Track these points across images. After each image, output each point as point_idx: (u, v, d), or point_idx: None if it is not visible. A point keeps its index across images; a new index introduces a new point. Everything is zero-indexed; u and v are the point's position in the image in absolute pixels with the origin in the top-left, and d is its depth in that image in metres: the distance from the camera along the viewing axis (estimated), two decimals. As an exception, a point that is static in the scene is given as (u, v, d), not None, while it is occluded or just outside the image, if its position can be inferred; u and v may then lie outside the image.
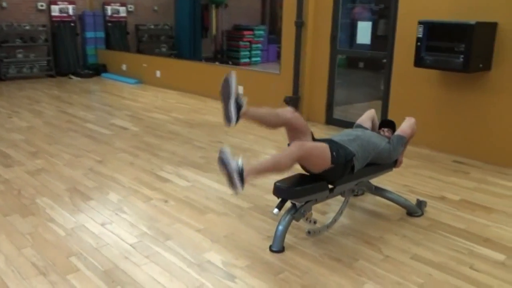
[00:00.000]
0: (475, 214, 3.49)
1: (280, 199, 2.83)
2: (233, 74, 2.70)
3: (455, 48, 4.38)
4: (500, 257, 2.88)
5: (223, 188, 3.85)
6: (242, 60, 12.12)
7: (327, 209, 3.41)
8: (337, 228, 3.18)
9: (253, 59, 12.49)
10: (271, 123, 2.85)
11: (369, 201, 3.65)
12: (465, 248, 2.98)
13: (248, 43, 12.27)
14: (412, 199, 3.55)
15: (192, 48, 11.85)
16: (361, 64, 8.74)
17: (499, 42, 4.44)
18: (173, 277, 2.57)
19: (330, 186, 2.96)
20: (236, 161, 2.61)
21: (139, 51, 11.28)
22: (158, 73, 9.15)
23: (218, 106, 7.47)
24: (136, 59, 10.02)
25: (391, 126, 3.51)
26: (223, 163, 2.61)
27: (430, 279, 2.61)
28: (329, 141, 2.99)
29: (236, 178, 2.56)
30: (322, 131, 5.97)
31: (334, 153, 2.81)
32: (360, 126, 3.47)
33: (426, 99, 5.07)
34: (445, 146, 4.97)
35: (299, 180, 2.90)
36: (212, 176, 4.15)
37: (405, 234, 3.13)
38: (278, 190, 2.80)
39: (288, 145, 2.94)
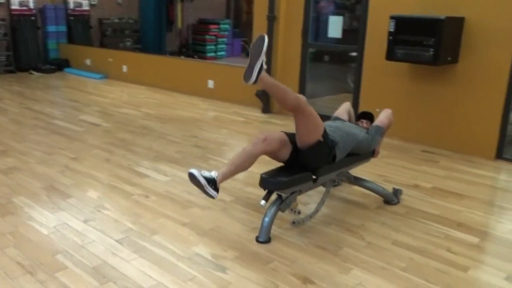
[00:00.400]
0: (447, 201, 3.65)
1: (266, 191, 2.87)
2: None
3: (424, 42, 4.54)
4: (474, 240, 3.04)
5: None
6: (208, 54, 12.06)
7: (308, 200, 3.49)
8: (319, 217, 3.26)
9: (219, 53, 12.44)
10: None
11: (347, 191, 3.76)
12: (441, 232, 3.12)
13: (214, 37, 12.22)
14: (388, 188, 3.68)
15: (157, 42, 11.71)
16: (326, 58, 8.90)
17: (466, 36, 4.63)
18: (164, 271, 2.58)
19: (313, 177, 3.03)
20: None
21: (102, 45, 11.05)
22: (124, 68, 9.01)
23: (188, 100, 7.51)
24: (101, 53, 9.82)
25: (369, 117, 3.62)
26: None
27: (412, 262, 2.73)
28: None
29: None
30: (293, 124, 6.04)
31: (325, 131, 2.91)
32: (337, 119, 3.56)
33: (396, 91, 5.23)
34: (414, 137, 5.15)
35: (283, 171, 2.95)
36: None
37: (384, 222, 3.25)
38: (265, 182, 2.85)
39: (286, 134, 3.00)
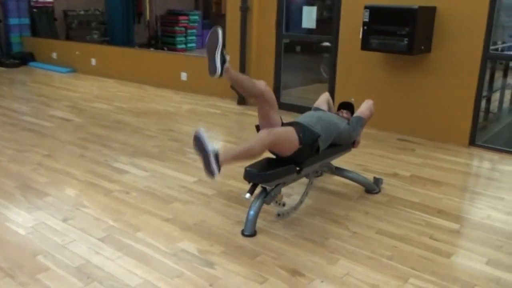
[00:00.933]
0: (426, 188, 3.71)
1: (251, 183, 2.85)
2: (220, 28, 2.73)
3: (398, 31, 4.59)
4: (455, 226, 3.10)
5: (184, 177, 3.82)
6: (179, 46, 11.91)
7: (291, 191, 3.48)
8: (303, 209, 3.26)
9: (189, 44, 12.31)
10: (247, 90, 2.91)
11: (328, 181, 3.77)
12: (423, 220, 3.17)
13: (183, 29, 12.06)
14: (369, 177, 3.71)
15: (125, 35, 11.47)
16: (297, 48, 8.90)
17: (437, 25, 4.70)
18: (150, 268, 2.53)
19: (297, 169, 3.03)
20: (212, 145, 2.61)
21: (68, 38, 10.75)
22: (93, 61, 8.79)
23: (161, 93, 7.39)
24: (67, 46, 9.54)
25: (349, 108, 3.63)
26: (199, 144, 2.61)
27: (397, 251, 2.77)
28: (295, 124, 3.05)
29: (213, 161, 2.57)
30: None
31: (300, 135, 2.89)
32: (318, 109, 3.56)
33: (371, 81, 5.28)
34: (389, 125, 5.21)
35: (268, 164, 2.94)
36: (170, 165, 4.09)
37: (368, 211, 3.28)
38: (249, 175, 2.83)
39: (257, 127, 2.97)
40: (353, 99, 5.47)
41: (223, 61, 2.68)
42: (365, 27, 4.74)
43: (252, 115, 5.99)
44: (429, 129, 4.99)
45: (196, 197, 3.44)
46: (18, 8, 10.00)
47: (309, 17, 5.81)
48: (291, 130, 2.87)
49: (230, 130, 5.46)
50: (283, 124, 3.00)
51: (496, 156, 4.56)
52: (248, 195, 2.82)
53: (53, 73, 8.98)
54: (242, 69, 6.33)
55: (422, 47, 4.65)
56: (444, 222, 3.15)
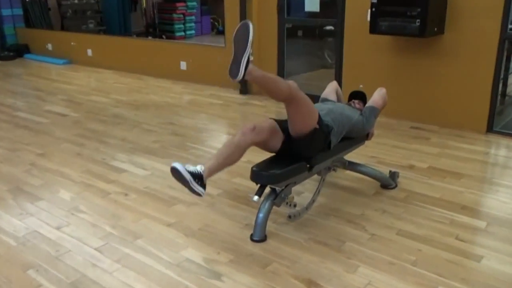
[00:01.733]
0: (446, 181, 3.47)
1: (258, 185, 2.61)
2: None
3: (408, 12, 4.30)
4: (481, 224, 2.86)
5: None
6: (177, 34, 11.58)
7: (302, 188, 3.24)
8: (316, 208, 3.03)
9: (188, 32, 11.96)
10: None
11: (341, 176, 3.53)
12: (446, 217, 2.93)
13: (181, 16, 11.71)
14: (383, 170, 3.47)
15: (121, 23, 11.14)
16: (299, 33, 8.60)
17: (451, 4, 4.41)
18: (151, 281, 2.31)
19: (308, 166, 2.78)
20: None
21: (63, 28, 10.44)
22: (89, 52, 8.50)
23: (160, 84, 7.12)
24: (63, 37, 9.25)
25: (362, 97, 3.37)
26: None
27: (421, 255, 2.53)
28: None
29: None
30: (274, 104, 5.78)
31: (320, 117, 2.65)
32: (326, 100, 3.30)
33: (380, 66, 5.00)
34: (401, 113, 4.95)
35: (276, 163, 2.69)
36: (170, 161, 3.75)
37: (385, 209, 3.04)
38: (256, 176, 2.58)
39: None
40: (361, 86, 5.22)
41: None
42: (373, 9, 4.45)
43: (256, 105, 5.74)
44: (443, 115, 4.72)
45: (201, 198, 3.20)
46: (10, -1, 9.70)
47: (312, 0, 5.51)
48: (313, 104, 2.64)
49: (233, 122, 5.20)
50: (284, 128, 2.72)
51: (516, 143, 4.31)
52: (256, 197, 2.58)
53: (49, 65, 8.71)
54: (244, 56, 6.04)
55: (435, 29, 4.36)
56: (469, 219, 2.91)
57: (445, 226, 2.82)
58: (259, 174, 2.58)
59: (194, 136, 4.55)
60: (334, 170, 3.13)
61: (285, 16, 5.76)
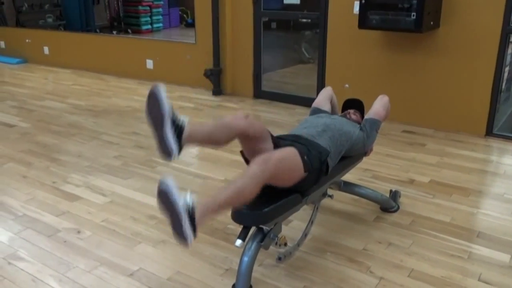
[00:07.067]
0: (453, 200, 3.02)
1: (242, 226, 2.09)
2: (161, 86, 1.84)
3: (401, 4, 3.83)
4: (504, 257, 2.42)
5: (152, 201, 3.02)
6: (144, 27, 10.88)
7: (291, 217, 2.73)
8: (309, 243, 2.53)
9: (155, 25, 11.27)
10: (222, 140, 2.02)
11: (335, 197, 3.03)
12: (462, 250, 2.48)
13: (148, 8, 11.02)
14: (379, 187, 3.02)
15: (83, 17, 10.37)
16: (273, 25, 8.05)
17: (447, -5, 3.96)
18: None
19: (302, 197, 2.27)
20: (184, 198, 1.79)
21: (19, 23, 9.62)
22: (46, 50, 7.78)
23: (124, 84, 6.48)
24: (16, 33, 8.47)
25: (359, 106, 2.86)
26: (166, 201, 1.78)
27: (443, 305, 2.07)
28: (294, 138, 2.28)
29: (186, 224, 1.75)
30: (251, 106, 5.26)
31: (305, 157, 2.11)
32: (319, 111, 2.78)
33: (368, 63, 4.53)
34: (392, 115, 4.44)
35: (263, 197, 2.15)
36: (134, 183, 3.29)
37: (390, 241, 2.56)
38: (239, 215, 2.05)
39: (245, 160, 2.18)
40: (347, 85, 4.74)
41: (179, 132, 1.83)
42: (362, 1, 3.95)
43: (230, 107, 5.20)
44: (438, 117, 4.30)
45: (170, 232, 2.65)
46: (-44, -8, 8.85)
47: (292, -10, 4.99)
48: (293, 154, 2.07)
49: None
50: (276, 143, 2.18)
51: (520, 147, 3.91)
52: (239, 242, 2.04)
53: (1, 65, 7.94)
54: (216, 55, 5.49)
55: (431, 22, 3.91)
56: (489, 251, 2.46)
57: (464, 263, 2.37)
58: (242, 213, 2.05)
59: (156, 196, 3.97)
60: (330, 196, 2.63)
61: (261, 9, 5.21)
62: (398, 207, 2.90)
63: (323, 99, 2.83)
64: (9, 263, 2.39)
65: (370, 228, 2.70)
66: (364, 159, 2.86)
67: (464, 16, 3.95)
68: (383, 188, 3.06)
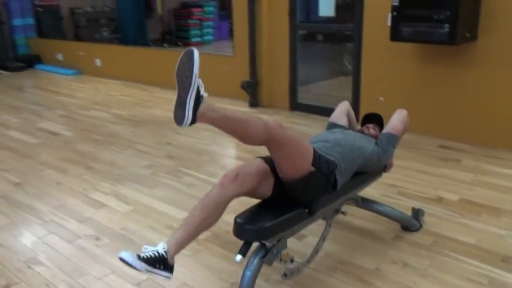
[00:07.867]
0: (482, 220, 2.86)
1: (243, 241, 2.08)
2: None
3: (435, 16, 3.70)
4: (529, 284, 2.26)
5: (173, 211, 3.09)
6: (193, 40, 11.17)
7: (305, 231, 2.68)
8: (320, 260, 2.48)
9: (205, 37, 11.56)
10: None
11: (354, 213, 2.96)
12: (483, 274, 2.34)
13: (198, 21, 11.32)
14: (404, 204, 2.90)
15: (137, 30, 10.79)
16: (318, 37, 8.02)
17: (485, 5, 3.79)
18: None
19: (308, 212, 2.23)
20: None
21: (77, 37, 10.15)
22: (98, 62, 8.14)
23: (164, 95, 6.65)
24: (72, 47, 8.94)
25: (377, 121, 2.79)
26: (187, 62, 1.83)
27: (451, 332, 1.96)
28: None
29: (189, 105, 1.81)
30: (287, 118, 5.25)
31: (316, 155, 2.09)
32: (335, 126, 2.74)
33: (404, 76, 4.41)
34: (428, 129, 4.34)
35: (266, 210, 2.15)
36: (158, 193, 3.37)
37: (406, 261, 2.46)
38: (241, 230, 2.05)
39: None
40: (381, 99, 4.63)
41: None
42: (395, 13, 3.86)
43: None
44: (476, 133, 4.10)
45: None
46: (21, 8, 9.48)
47: (327, 3, 4.95)
48: (307, 143, 2.12)
49: (238, 142, 4.67)
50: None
51: None
52: (239, 257, 2.03)
53: (58, 76, 8.41)
54: (253, 67, 5.53)
55: (467, 34, 3.75)
56: (513, 276, 2.31)
57: (483, 288, 2.23)
58: (244, 228, 2.05)
59: (191, 159, 4.05)
60: (343, 213, 2.56)
61: (298, 22, 5.21)
62: (421, 226, 2.79)
63: (339, 114, 2.78)
64: (28, 267, 2.50)
65: (386, 247, 2.61)
66: (390, 174, 2.77)
67: (504, 27, 3.75)
68: (408, 206, 2.95)
